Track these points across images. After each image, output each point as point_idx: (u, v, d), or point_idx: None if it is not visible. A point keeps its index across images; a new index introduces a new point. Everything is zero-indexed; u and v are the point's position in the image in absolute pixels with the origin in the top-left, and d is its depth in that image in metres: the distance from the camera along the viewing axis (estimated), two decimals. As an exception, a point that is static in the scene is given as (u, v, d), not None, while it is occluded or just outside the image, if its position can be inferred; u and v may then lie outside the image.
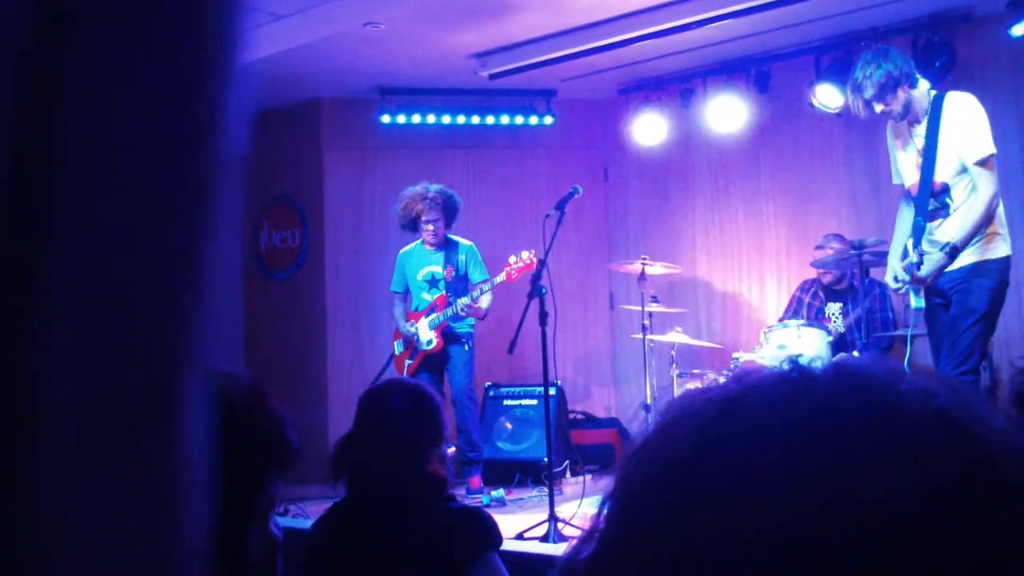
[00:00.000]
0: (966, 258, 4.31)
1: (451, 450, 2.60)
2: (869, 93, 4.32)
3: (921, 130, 4.44)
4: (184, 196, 0.45)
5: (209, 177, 0.46)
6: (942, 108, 4.37)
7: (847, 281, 6.18)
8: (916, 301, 4.40)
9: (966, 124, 4.31)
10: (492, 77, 6.86)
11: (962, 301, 4.31)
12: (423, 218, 6.29)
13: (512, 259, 6.11)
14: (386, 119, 7.33)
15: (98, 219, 0.43)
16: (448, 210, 6.36)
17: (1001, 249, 4.32)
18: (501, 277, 6.11)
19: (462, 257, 6.38)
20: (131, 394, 0.44)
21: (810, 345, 5.59)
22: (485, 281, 6.23)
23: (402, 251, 6.57)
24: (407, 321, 6.39)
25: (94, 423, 0.43)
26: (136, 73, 0.44)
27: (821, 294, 6.27)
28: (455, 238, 6.46)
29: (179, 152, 0.45)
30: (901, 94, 4.33)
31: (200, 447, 0.47)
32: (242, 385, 1.17)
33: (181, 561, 0.45)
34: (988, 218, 4.25)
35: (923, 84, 4.62)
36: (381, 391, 2.46)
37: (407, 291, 6.51)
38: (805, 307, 6.26)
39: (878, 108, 4.38)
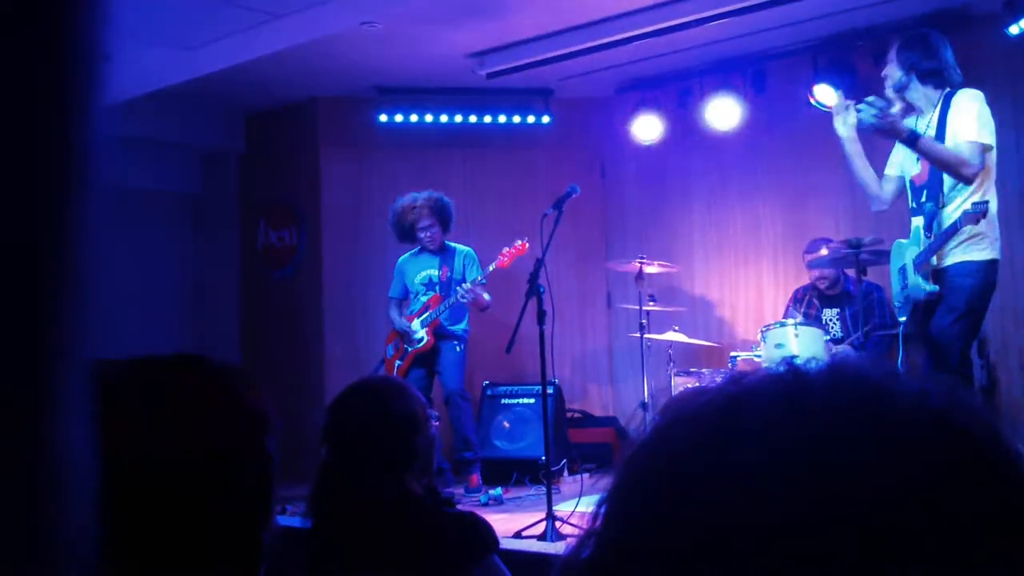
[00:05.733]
0: (949, 258, 4.29)
1: (436, 423, 2.33)
2: (891, 55, 4.49)
3: (926, 122, 4.41)
4: (41, 192, 0.44)
5: (69, 172, 0.45)
6: (951, 103, 4.36)
7: (841, 286, 6.15)
8: (927, 285, 4.35)
9: (965, 112, 4.29)
10: (490, 76, 6.86)
11: (943, 300, 4.29)
12: (417, 226, 6.35)
13: (505, 249, 6.19)
14: (383, 118, 7.33)
15: None
16: (440, 213, 6.39)
17: (986, 251, 4.26)
18: (492, 266, 6.18)
19: (460, 261, 6.43)
20: None
21: (807, 344, 5.60)
22: (480, 275, 6.27)
23: (401, 258, 6.62)
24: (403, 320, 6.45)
25: None
26: None
27: (816, 302, 6.24)
28: (454, 245, 6.50)
29: (32, 145, 0.44)
30: (897, 72, 4.43)
31: (78, 446, 0.45)
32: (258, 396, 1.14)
33: (59, 566, 0.44)
34: (955, 168, 4.22)
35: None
36: (337, 411, 2.18)
37: (405, 297, 6.55)
38: (800, 317, 6.22)
39: (884, 71, 4.52)
